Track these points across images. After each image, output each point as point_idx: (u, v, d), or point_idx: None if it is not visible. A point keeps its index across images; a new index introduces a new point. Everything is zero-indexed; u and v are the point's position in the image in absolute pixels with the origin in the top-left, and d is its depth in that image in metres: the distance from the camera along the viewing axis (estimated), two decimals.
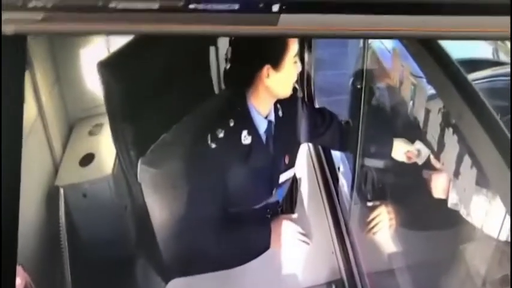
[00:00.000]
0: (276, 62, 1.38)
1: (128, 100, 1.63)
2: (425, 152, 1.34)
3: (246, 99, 1.47)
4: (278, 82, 1.42)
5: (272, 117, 1.52)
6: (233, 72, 1.43)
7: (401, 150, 1.51)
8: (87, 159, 2.30)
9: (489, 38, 0.76)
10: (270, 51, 1.38)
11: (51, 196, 2.09)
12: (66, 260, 1.93)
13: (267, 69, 1.39)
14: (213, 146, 1.42)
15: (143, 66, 1.64)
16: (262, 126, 1.50)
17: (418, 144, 1.37)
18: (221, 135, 1.42)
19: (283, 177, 1.61)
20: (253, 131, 1.47)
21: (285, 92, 1.47)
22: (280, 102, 1.53)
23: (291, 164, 1.63)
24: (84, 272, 1.97)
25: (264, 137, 1.51)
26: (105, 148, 2.28)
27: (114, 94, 1.61)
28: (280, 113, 1.56)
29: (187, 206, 1.53)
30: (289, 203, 1.79)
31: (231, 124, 1.44)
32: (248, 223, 1.59)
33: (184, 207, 1.54)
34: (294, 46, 1.40)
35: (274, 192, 1.60)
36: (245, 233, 1.58)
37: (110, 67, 1.60)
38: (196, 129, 1.49)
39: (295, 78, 1.46)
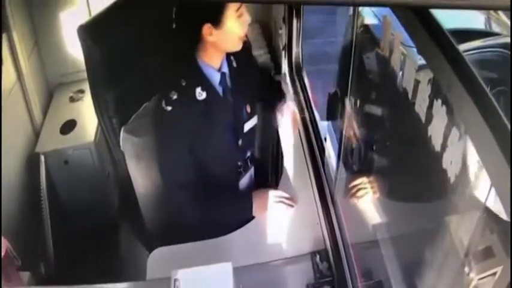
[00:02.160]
0: (215, 20, 1.38)
1: (109, 66, 1.58)
2: None
3: (196, 57, 1.48)
4: (223, 38, 1.42)
5: (225, 69, 1.53)
6: (178, 32, 1.43)
7: None
8: (69, 125, 2.26)
9: (482, 7, 0.73)
10: (207, 10, 1.38)
11: (31, 163, 2.06)
12: (48, 228, 1.92)
13: (207, 27, 1.39)
14: (169, 108, 1.42)
15: (126, 31, 1.59)
16: (215, 79, 1.50)
17: None
18: (175, 96, 1.43)
19: (247, 126, 1.62)
20: (207, 85, 1.48)
21: (233, 46, 1.47)
22: (233, 54, 1.54)
23: (253, 113, 1.64)
24: (66, 239, 1.96)
25: (220, 89, 1.52)
26: (87, 115, 2.24)
27: (96, 59, 1.57)
28: (234, 64, 1.56)
29: (162, 173, 1.53)
30: (274, 176, 1.79)
31: (183, 83, 1.45)
32: (224, 187, 1.61)
33: (161, 174, 1.54)
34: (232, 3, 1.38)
35: (240, 143, 1.60)
36: (224, 200, 1.59)
37: (91, 31, 1.54)
38: (154, 96, 1.49)
39: (244, 31, 1.44)
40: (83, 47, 1.55)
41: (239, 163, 1.64)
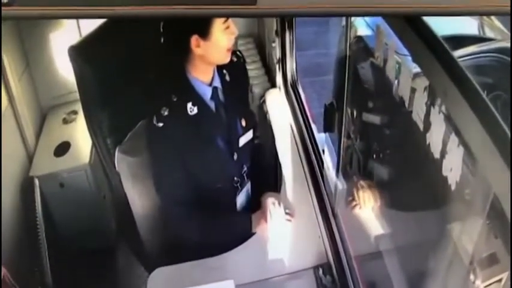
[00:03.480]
0: (203, 32, 1.38)
1: (101, 86, 1.57)
2: None
3: (185, 71, 1.47)
4: (210, 50, 1.41)
5: (217, 83, 1.51)
6: (167, 46, 1.43)
7: None
8: (63, 148, 2.24)
9: (478, 13, 0.74)
10: (195, 22, 1.38)
11: (25, 187, 2.04)
12: (45, 252, 1.89)
13: (195, 39, 1.38)
14: (160, 125, 1.41)
15: (117, 50, 1.59)
16: (207, 94, 1.49)
17: None
18: (166, 113, 1.42)
19: (243, 140, 1.60)
20: (198, 100, 1.47)
21: (221, 58, 1.46)
22: (225, 68, 1.53)
23: (249, 126, 1.62)
24: (64, 263, 1.93)
25: (212, 104, 1.51)
26: (81, 136, 2.22)
27: (87, 80, 1.56)
28: (227, 78, 1.55)
29: (159, 192, 1.52)
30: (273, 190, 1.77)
31: (174, 99, 1.44)
32: (222, 203, 1.59)
33: (158, 193, 1.52)
34: None
35: (235, 157, 1.58)
36: (222, 216, 1.58)
37: (82, 52, 1.54)
38: (145, 113, 1.48)
39: (231, 43, 1.44)
40: (74, 68, 1.54)
41: (235, 178, 1.61)
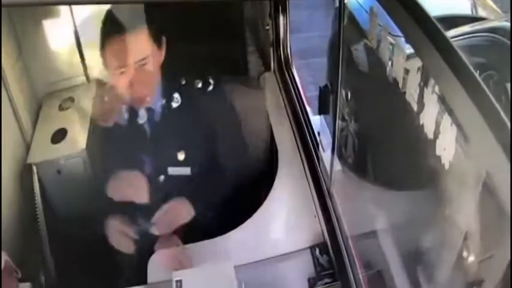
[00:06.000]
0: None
1: None
2: None
3: None
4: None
5: (157, 107, 1.45)
6: None
7: None
8: (60, 134, 2.23)
9: None
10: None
11: (24, 174, 2.04)
12: (45, 238, 1.91)
13: None
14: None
15: None
16: (141, 114, 1.45)
17: None
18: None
19: (173, 170, 1.50)
20: (131, 116, 1.46)
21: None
22: (179, 91, 1.44)
23: (189, 163, 1.49)
24: (65, 248, 1.95)
25: (146, 126, 1.47)
26: (78, 122, 2.21)
27: None
28: (174, 104, 1.46)
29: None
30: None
31: None
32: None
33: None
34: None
35: (161, 180, 1.52)
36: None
37: None
38: None
39: (120, 82, 1.33)
40: None
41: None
